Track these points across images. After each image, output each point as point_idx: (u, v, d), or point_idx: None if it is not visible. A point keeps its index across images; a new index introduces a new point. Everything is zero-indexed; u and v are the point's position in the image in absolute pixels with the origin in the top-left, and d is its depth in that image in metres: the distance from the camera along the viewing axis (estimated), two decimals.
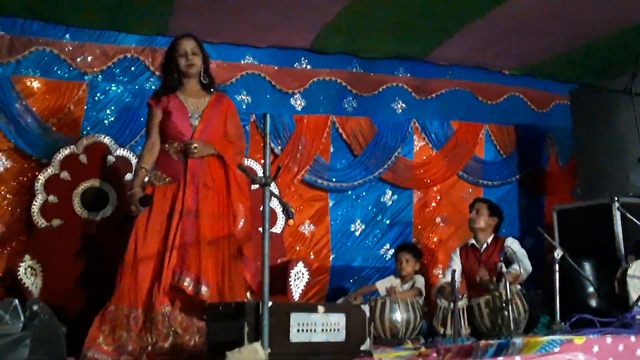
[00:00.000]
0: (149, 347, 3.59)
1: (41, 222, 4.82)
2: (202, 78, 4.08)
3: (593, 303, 4.80)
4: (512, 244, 5.34)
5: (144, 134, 4.27)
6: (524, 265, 5.07)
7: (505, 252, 5.22)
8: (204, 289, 3.66)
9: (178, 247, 3.71)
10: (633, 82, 4.39)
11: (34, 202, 4.84)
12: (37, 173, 5.04)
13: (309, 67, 6.33)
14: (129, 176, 5.01)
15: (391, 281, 5.69)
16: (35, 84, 5.41)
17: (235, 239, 3.88)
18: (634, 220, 4.20)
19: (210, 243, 3.77)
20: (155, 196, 3.84)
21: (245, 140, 5.52)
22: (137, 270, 3.72)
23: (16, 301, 2.35)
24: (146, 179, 4.00)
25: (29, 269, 4.39)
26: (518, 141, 7.09)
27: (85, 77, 5.56)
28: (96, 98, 5.56)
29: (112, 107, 5.61)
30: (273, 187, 4.66)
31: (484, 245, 5.44)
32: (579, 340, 2.73)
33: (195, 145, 3.86)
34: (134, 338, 3.63)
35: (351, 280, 6.23)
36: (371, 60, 6.53)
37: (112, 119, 5.59)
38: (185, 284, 3.65)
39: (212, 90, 4.13)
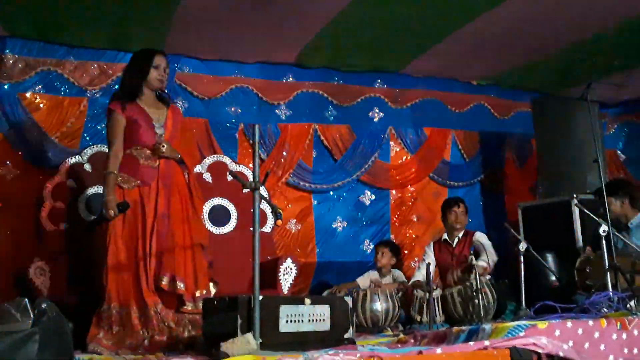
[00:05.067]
0: (146, 341, 3.56)
1: (49, 226, 4.77)
2: (157, 92, 3.98)
3: (555, 291, 4.82)
4: (481, 237, 5.36)
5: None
6: (491, 255, 5.09)
7: (475, 245, 5.24)
8: (179, 284, 3.65)
9: (156, 250, 3.69)
10: (588, 90, 4.43)
11: (43, 208, 4.79)
12: (42, 180, 5.00)
13: (293, 80, 6.33)
14: None
15: (370, 276, 5.68)
16: (41, 101, 5.38)
17: (198, 237, 3.88)
18: (591, 215, 4.22)
19: (181, 243, 3.76)
20: (126, 199, 3.73)
21: None
22: (122, 272, 3.67)
23: (26, 300, 2.31)
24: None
25: (38, 270, 4.35)
26: (481, 146, 7.11)
27: (87, 94, 5.52)
28: (95, 111, 5.51)
29: None
30: (262, 191, 4.65)
31: (456, 240, 5.45)
32: (542, 325, 2.74)
33: (164, 144, 3.80)
34: (131, 333, 3.60)
35: (335, 274, 6.20)
36: (351, 73, 6.53)
37: None
38: (164, 282, 3.64)
39: (165, 101, 4.02)
